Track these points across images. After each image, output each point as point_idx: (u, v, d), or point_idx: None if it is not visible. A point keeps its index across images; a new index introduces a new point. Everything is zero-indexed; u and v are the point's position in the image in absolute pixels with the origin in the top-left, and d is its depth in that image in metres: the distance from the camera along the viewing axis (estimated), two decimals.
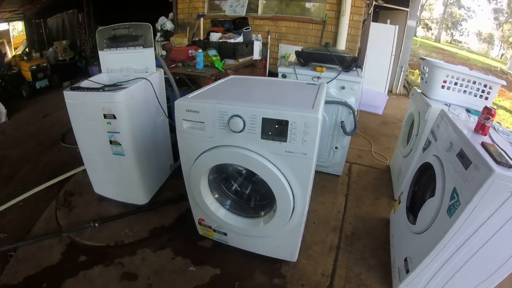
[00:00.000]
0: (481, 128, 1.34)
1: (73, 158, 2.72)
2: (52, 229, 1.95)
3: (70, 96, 1.81)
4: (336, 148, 2.41)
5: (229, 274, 1.64)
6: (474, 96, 2.02)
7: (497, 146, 1.19)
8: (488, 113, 1.31)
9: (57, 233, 1.90)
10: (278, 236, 1.57)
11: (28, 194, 2.27)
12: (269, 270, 1.67)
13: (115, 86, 1.87)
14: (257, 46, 3.57)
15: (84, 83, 1.90)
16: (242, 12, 4.57)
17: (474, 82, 1.99)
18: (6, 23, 6.02)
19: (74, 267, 1.67)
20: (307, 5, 4.45)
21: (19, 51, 6.18)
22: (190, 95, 1.45)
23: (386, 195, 2.37)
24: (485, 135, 1.33)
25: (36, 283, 1.58)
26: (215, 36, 3.38)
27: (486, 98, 2.00)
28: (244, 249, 1.74)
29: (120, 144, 1.85)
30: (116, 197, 2.14)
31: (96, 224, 1.92)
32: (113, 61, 2.05)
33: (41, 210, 2.12)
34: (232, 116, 1.27)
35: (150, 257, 1.74)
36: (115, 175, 2.02)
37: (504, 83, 2.02)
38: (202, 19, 4.73)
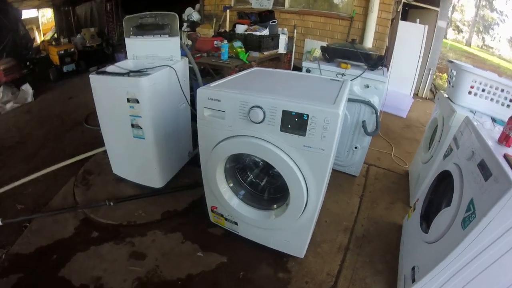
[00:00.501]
0: (505, 139, 1.28)
1: (94, 139, 2.81)
2: (69, 204, 2.03)
3: (95, 80, 1.87)
4: (355, 148, 2.37)
5: (235, 263, 1.66)
6: (502, 105, 1.93)
7: None
8: None
9: (73, 208, 1.97)
10: (288, 230, 1.57)
11: (48, 170, 2.36)
12: (275, 264, 1.67)
13: (139, 72, 1.91)
14: (283, 40, 3.53)
15: (110, 68, 1.95)
16: (268, 5, 4.55)
17: (502, 90, 1.90)
18: (36, 10, 6.24)
19: (86, 242, 1.74)
20: (335, 0, 4.37)
21: (47, 37, 6.40)
22: (213, 84, 1.47)
23: (401, 201, 2.32)
24: (509, 146, 1.27)
25: (47, 254, 1.65)
26: (241, 28, 3.38)
27: None
28: (253, 240, 1.75)
29: (141, 128, 1.90)
30: (133, 179, 2.20)
31: (111, 203, 1.98)
32: (139, 48, 2.09)
33: (60, 186, 2.21)
34: (252, 107, 1.27)
35: (160, 239, 1.78)
36: (134, 158, 2.08)
37: None
38: (228, 11, 4.74)
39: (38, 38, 6.60)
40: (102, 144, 2.21)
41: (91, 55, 5.60)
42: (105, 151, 2.25)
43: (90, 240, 1.76)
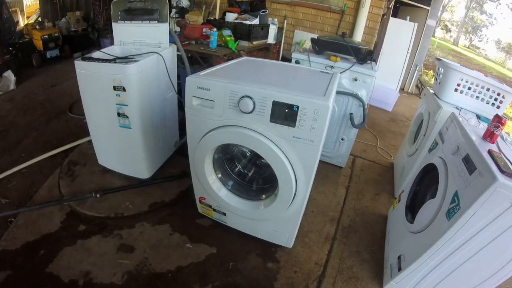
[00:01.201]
0: (489, 136, 1.33)
1: (79, 129, 2.74)
2: (54, 197, 1.97)
3: (81, 66, 1.80)
4: (342, 139, 2.40)
5: (224, 254, 1.66)
6: (486, 103, 2.00)
7: (503, 156, 1.19)
8: (498, 121, 1.30)
9: (58, 201, 1.92)
10: (276, 220, 1.59)
11: (32, 162, 2.29)
12: (264, 254, 1.69)
13: (126, 59, 1.86)
14: (273, 30, 3.50)
15: (96, 54, 1.89)
16: None
17: (488, 89, 1.97)
18: None
19: (73, 235, 1.70)
20: None
21: (31, 20, 6.14)
22: (202, 73, 1.44)
23: (386, 192, 2.38)
24: (493, 143, 1.32)
25: (34, 250, 1.61)
26: (231, 17, 3.33)
27: (498, 107, 1.98)
28: (241, 230, 1.76)
29: (127, 117, 1.86)
30: (119, 170, 2.17)
31: (98, 195, 1.94)
32: (127, 33, 2.03)
33: (44, 178, 2.15)
34: (242, 97, 1.26)
35: (148, 231, 1.76)
36: (120, 148, 2.03)
37: None
38: None
39: (22, 22, 6.32)
40: (87, 133, 2.15)
41: (76, 40, 5.39)
42: (90, 141, 2.19)
43: (77, 233, 1.72)
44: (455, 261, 1.26)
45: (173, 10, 4.51)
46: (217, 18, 3.99)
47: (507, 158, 1.17)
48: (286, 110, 1.23)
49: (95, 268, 1.53)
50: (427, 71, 7.76)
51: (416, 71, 5.46)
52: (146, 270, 1.54)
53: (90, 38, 5.69)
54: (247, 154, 1.79)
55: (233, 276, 1.55)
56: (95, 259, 1.57)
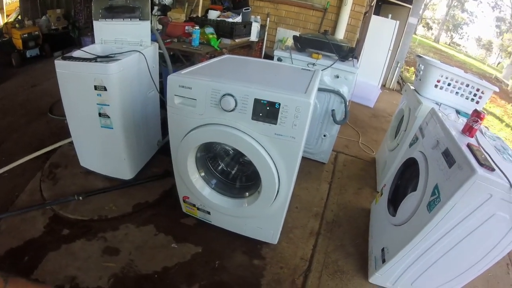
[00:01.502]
0: (468, 130, 1.37)
1: (60, 130, 2.67)
2: (36, 201, 1.92)
3: (61, 66, 1.76)
4: (324, 136, 2.43)
5: (210, 253, 1.66)
6: (466, 98, 2.06)
7: (482, 149, 1.22)
8: (477, 116, 1.34)
9: (41, 206, 1.87)
10: (260, 217, 1.60)
11: (13, 165, 2.22)
12: (250, 251, 1.70)
13: (108, 58, 1.83)
14: (255, 28, 3.51)
15: (77, 53, 1.85)
16: None
17: (467, 85, 2.02)
18: None
19: (57, 240, 1.66)
20: None
21: (11, 19, 5.95)
22: (184, 71, 1.44)
23: (369, 186, 2.43)
24: (472, 137, 1.36)
25: (18, 256, 1.57)
26: (213, 14, 3.31)
27: (477, 102, 2.04)
28: (226, 228, 1.77)
29: (109, 117, 1.83)
30: (102, 171, 2.13)
31: (80, 198, 1.90)
32: (108, 32, 2.00)
33: (26, 182, 2.08)
34: (224, 95, 1.26)
35: (133, 232, 1.74)
36: (102, 149, 2.00)
37: (497, 89, 2.05)
38: None
39: (1, 20, 6.12)
40: (68, 135, 2.10)
41: (57, 38, 5.24)
42: (71, 143, 2.14)
43: (61, 238, 1.68)
44: (438, 252, 1.30)
45: (155, 8, 4.45)
46: (199, 15, 3.97)
47: (485, 152, 1.20)
48: (268, 108, 1.24)
49: (81, 272, 1.50)
50: (408, 67, 7.96)
51: (397, 68, 5.58)
52: (132, 272, 1.52)
53: (71, 36, 5.55)
54: (230, 152, 1.80)
55: (220, 275, 1.55)
56: (81, 263, 1.55)
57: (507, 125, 6.32)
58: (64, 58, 1.77)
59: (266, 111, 1.25)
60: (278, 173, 1.36)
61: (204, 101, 1.32)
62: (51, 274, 1.48)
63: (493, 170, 1.08)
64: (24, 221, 1.77)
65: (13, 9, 6.40)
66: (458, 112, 2.02)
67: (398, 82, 5.90)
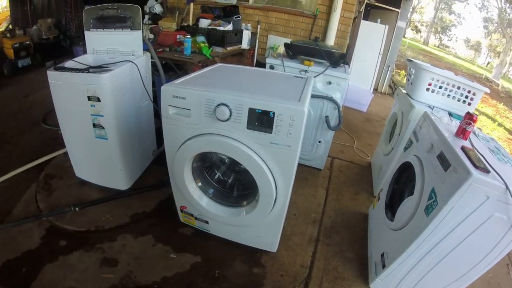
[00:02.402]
0: (462, 133, 1.38)
1: (54, 140, 2.65)
2: (32, 212, 1.90)
3: (53, 76, 1.75)
4: (319, 142, 2.44)
5: (209, 262, 1.65)
6: (458, 101, 2.07)
7: (476, 151, 1.23)
8: (470, 118, 1.35)
9: (37, 217, 1.85)
10: (259, 226, 1.59)
11: (7, 176, 2.19)
12: (249, 259, 1.69)
13: (100, 68, 1.82)
14: (246, 36, 3.54)
15: (69, 64, 1.84)
16: (233, 0, 4.52)
17: (459, 88, 2.04)
18: None
19: (54, 252, 1.64)
20: None
21: (2, 28, 5.90)
22: (177, 81, 1.44)
23: (365, 191, 2.43)
24: (466, 139, 1.37)
25: (15, 268, 1.55)
26: (204, 23, 3.33)
27: (469, 104, 2.05)
28: (225, 237, 1.76)
29: (103, 128, 1.82)
30: (98, 182, 2.11)
31: (77, 209, 1.89)
32: (99, 42, 2.00)
33: (21, 193, 2.06)
34: (218, 105, 1.26)
35: (130, 243, 1.73)
36: (97, 159, 1.99)
37: (488, 90, 2.06)
38: (192, 4, 4.64)
39: None
40: (62, 145, 2.09)
41: (48, 48, 5.21)
42: (66, 153, 2.12)
43: (58, 249, 1.66)
44: (438, 255, 1.30)
45: (146, 17, 4.47)
46: (190, 24, 3.98)
47: (480, 153, 1.21)
48: (262, 117, 1.24)
49: (79, 284, 1.48)
50: (399, 71, 8.07)
51: (388, 72, 5.66)
52: (131, 283, 1.51)
53: (62, 45, 5.53)
54: (226, 161, 1.80)
55: (220, 284, 1.54)
56: (78, 275, 1.53)
57: (500, 125, 6.42)
58: (57, 69, 1.76)
59: (261, 120, 1.25)
60: (275, 181, 1.36)
61: (199, 111, 1.32)
62: (49, 286, 1.47)
63: (488, 172, 1.09)
64: (21, 233, 1.75)
65: (3, 18, 6.36)
66: (450, 114, 2.03)
67: (389, 86, 5.98)
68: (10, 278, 1.50)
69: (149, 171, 2.32)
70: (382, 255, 1.53)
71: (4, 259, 1.58)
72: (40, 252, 1.64)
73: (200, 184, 1.63)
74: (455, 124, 1.60)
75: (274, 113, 1.22)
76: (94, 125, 1.82)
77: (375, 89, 5.67)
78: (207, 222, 1.72)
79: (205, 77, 1.60)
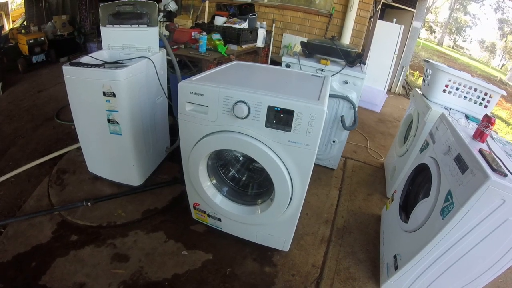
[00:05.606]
0: (479, 135, 1.36)
1: (67, 135, 2.69)
2: (44, 206, 1.92)
3: (69, 72, 1.76)
4: (334, 142, 2.42)
5: (221, 260, 1.65)
6: (474, 103, 2.04)
7: (493, 154, 1.21)
8: (488, 121, 1.33)
9: (49, 211, 1.87)
10: (273, 225, 1.58)
11: (20, 170, 2.22)
12: (261, 258, 1.68)
13: (116, 64, 1.83)
14: (261, 34, 3.52)
15: (84, 59, 1.85)
16: None
17: (475, 89, 2.01)
18: None
19: (65, 246, 1.66)
20: None
21: (17, 24, 6.02)
22: (195, 78, 1.43)
23: (378, 192, 2.41)
24: (483, 142, 1.35)
25: (26, 262, 1.56)
26: (219, 20, 3.33)
27: (486, 106, 2.02)
28: (237, 235, 1.75)
29: (118, 123, 1.82)
30: (110, 177, 2.12)
31: (89, 204, 1.90)
32: (115, 38, 2.00)
33: (33, 187, 2.09)
34: (237, 102, 1.25)
35: (142, 239, 1.73)
36: (111, 155, 2.00)
37: (505, 93, 2.03)
38: (207, 2, 4.65)
39: (7, 26, 6.19)
40: (75, 140, 2.11)
41: (62, 44, 5.31)
42: (79, 148, 2.14)
43: (69, 244, 1.67)
44: (451, 258, 1.28)
45: (161, 14, 4.48)
46: (205, 22, 3.98)
47: (497, 157, 1.19)
48: (282, 115, 1.23)
49: (90, 279, 1.49)
50: (413, 71, 7.95)
51: (402, 72, 5.58)
52: (142, 279, 1.51)
53: (77, 42, 5.61)
54: (240, 158, 1.78)
55: (231, 282, 1.54)
56: (89, 270, 1.53)
57: None
58: (72, 64, 1.77)
59: (280, 119, 1.24)
60: (291, 180, 1.35)
61: (216, 108, 1.31)
62: (59, 280, 1.47)
63: (505, 175, 1.07)
64: (32, 227, 1.77)
65: (18, 15, 6.49)
66: (467, 116, 2.00)
67: (403, 87, 5.90)
68: (20, 271, 1.51)
69: (162, 168, 2.32)
70: (395, 257, 1.51)
71: (15, 252, 1.60)
72: (51, 246, 1.66)
73: (214, 181, 1.62)
74: (472, 126, 1.58)
75: (293, 112, 1.21)
76: (109, 121, 1.83)
77: (389, 90, 5.61)
78: (219, 220, 1.72)
79: (222, 74, 1.59)
